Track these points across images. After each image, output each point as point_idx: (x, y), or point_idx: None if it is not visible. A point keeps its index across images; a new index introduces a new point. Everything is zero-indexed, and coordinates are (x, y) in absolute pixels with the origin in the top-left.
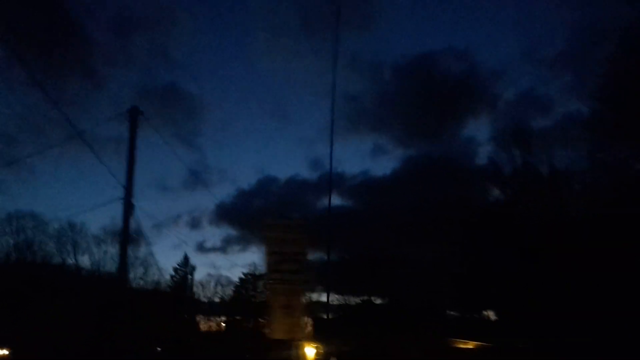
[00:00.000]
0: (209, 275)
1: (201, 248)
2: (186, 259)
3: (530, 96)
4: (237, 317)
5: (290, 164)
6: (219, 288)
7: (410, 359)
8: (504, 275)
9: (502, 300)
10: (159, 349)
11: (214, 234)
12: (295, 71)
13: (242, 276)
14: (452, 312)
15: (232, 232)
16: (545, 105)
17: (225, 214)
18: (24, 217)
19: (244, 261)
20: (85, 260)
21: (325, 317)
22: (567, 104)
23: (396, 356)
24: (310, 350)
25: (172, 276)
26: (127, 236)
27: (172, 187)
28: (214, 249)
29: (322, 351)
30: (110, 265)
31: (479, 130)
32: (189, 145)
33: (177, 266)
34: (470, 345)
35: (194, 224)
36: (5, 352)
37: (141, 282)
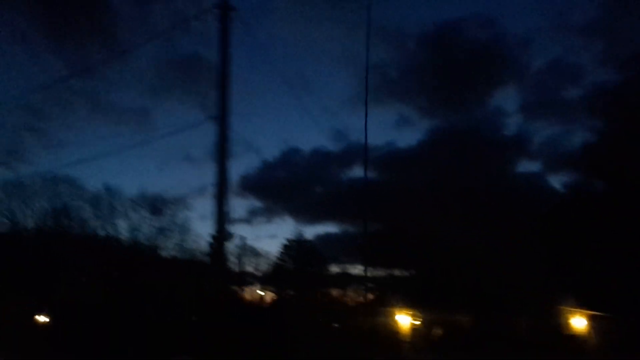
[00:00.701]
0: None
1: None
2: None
3: (560, 65)
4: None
5: (313, 135)
6: (253, 259)
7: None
8: None
9: None
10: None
11: (240, 205)
12: (317, 40)
13: (287, 243)
14: None
15: (256, 203)
16: (575, 74)
17: (249, 185)
18: (60, 181)
19: (269, 232)
20: (122, 226)
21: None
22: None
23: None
24: (404, 319)
25: (210, 244)
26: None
27: (196, 158)
28: (239, 220)
29: (420, 321)
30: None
31: (507, 100)
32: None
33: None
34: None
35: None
36: (46, 319)
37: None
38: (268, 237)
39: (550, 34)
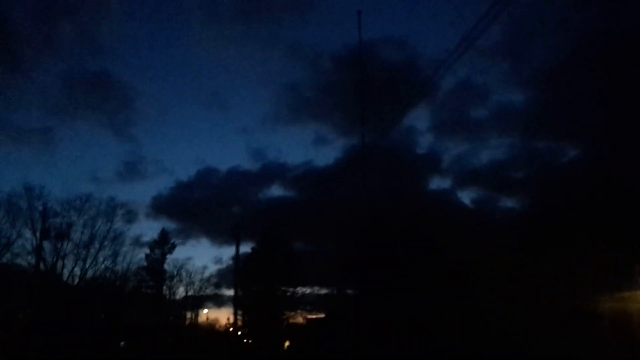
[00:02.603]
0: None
1: (138, 242)
2: (164, 234)
3: (468, 85)
4: None
5: (230, 154)
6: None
7: None
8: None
9: None
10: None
11: (151, 228)
12: (232, 59)
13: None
14: None
15: (170, 225)
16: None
17: (162, 206)
18: None
19: (184, 255)
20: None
21: None
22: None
23: None
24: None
25: (147, 255)
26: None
27: (103, 179)
28: (151, 242)
29: None
30: None
31: (419, 120)
32: (122, 136)
33: (154, 242)
34: None
35: (130, 219)
36: None
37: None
38: (184, 260)
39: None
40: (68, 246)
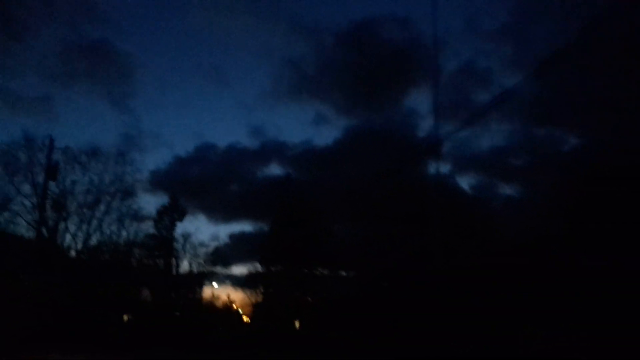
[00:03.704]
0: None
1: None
2: (174, 199)
3: (471, 68)
4: None
5: (229, 130)
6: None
7: None
8: None
9: None
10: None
11: (149, 202)
12: (233, 32)
13: None
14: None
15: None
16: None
17: (160, 181)
18: None
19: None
20: None
21: None
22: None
23: None
24: None
25: (155, 222)
26: None
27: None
28: (148, 217)
29: None
30: None
31: (421, 102)
32: (121, 107)
33: (163, 208)
34: None
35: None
36: None
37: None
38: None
39: (463, 37)
40: (72, 206)
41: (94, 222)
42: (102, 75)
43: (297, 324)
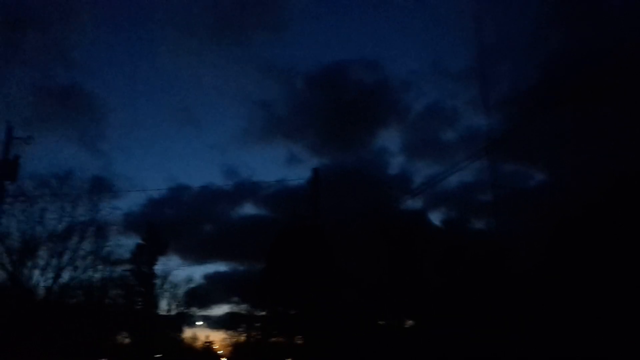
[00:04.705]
0: None
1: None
2: (151, 232)
3: (438, 108)
4: None
5: (202, 171)
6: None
7: None
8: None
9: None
10: None
11: (121, 246)
12: (205, 75)
13: None
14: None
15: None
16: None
17: (134, 223)
18: None
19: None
20: None
21: None
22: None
23: None
24: None
25: (134, 255)
26: None
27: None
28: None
29: None
30: None
31: (390, 141)
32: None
33: (143, 241)
34: None
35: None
36: None
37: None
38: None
39: (430, 79)
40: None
41: (65, 256)
42: (73, 119)
43: None
